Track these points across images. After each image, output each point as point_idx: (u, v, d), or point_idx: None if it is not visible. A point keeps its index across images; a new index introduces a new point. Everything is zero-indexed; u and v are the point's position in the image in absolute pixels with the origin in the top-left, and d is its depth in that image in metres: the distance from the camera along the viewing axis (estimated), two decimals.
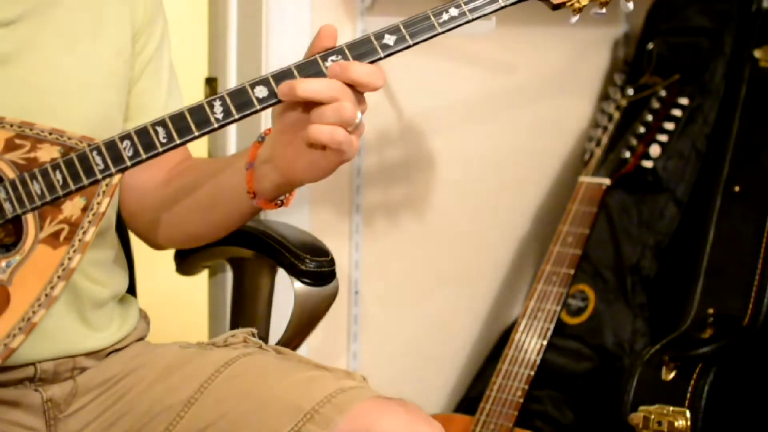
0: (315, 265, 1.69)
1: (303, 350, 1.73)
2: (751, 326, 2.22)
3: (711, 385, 2.12)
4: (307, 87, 1.33)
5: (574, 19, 1.40)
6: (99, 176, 1.31)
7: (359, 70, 1.34)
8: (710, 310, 2.26)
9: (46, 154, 1.31)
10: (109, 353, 1.57)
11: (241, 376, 1.46)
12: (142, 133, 1.31)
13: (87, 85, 1.50)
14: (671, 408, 2.08)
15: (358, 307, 2.43)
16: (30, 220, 1.31)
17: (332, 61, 1.35)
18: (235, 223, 1.58)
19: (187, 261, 1.87)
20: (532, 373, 2.23)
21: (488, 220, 2.60)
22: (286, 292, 1.71)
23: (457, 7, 1.36)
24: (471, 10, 1.36)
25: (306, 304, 1.70)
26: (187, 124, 1.32)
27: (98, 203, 1.31)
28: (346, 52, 1.35)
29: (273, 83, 1.33)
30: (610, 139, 2.46)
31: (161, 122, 1.31)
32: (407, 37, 1.35)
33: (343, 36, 2.32)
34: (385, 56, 1.36)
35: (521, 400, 2.21)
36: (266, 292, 1.78)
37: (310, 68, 1.35)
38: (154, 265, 2.01)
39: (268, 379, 1.44)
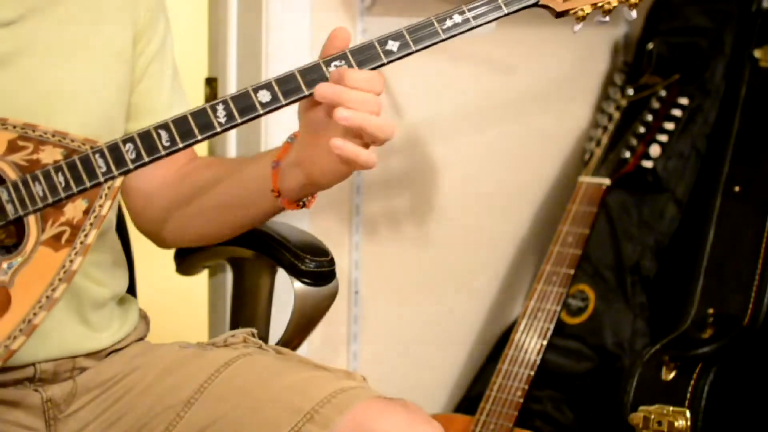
0: (315, 265, 1.69)
1: (303, 350, 1.73)
2: (751, 326, 2.22)
3: (711, 385, 2.12)
4: (351, 97, 1.34)
5: (578, 27, 1.41)
6: (101, 179, 1.31)
7: (357, 77, 1.34)
8: (710, 310, 2.26)
9: (49, 156, 1.31)
10: (109, 353, 1.57)
11: (241, 377, 1.46)
12: (145, 136, 1.31)
13: (87, 86, 1.50)
14: (671, 408, 2.08)
15: (358, 307, 2.43)
16: (32, 222, 1.31)
17: (335, 66, 1.35)
18: (255, 223, 1.58)
19: (187, 261, 1.87)
20: (532, 373, 2.23)
21: (488, 220, 2.60)
22: (286, 292, 1.71)
23: (461, 13, 1.36)
24: (474, 17, 1.36)
25: (306, 304, 1.70)
26: (190, 127, 1.32)
27: (100, 206, 1.31)
28: (350, 57, 1.35)
29: (276, 88, 1.33)
30: (610, 139, 2.46)
31: (164, 125, 1.31)
32: (410, 43, 1.36)
33: None
34: (388, 62, 1.36)
35: (521, 400, 2.21)
36: (266, 292, 1.78)
37: (313, 73, 1.35)
38: (154, 265, 2.01)
39: (267, 379, 1.44)
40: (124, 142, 1.31)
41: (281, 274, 1.74)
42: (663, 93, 2.46)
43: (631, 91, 2.51)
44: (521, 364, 2.25)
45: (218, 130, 1.32)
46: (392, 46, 1.36)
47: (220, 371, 1.47)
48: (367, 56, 1.36)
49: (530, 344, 2.27)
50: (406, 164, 2.44)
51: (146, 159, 1.31)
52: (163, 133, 1.31)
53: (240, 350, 1.52)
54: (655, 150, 2.43)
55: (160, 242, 1.68)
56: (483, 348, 2.61)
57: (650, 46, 2.55)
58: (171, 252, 1.85)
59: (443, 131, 2.49)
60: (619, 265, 2.51)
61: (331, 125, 1.37)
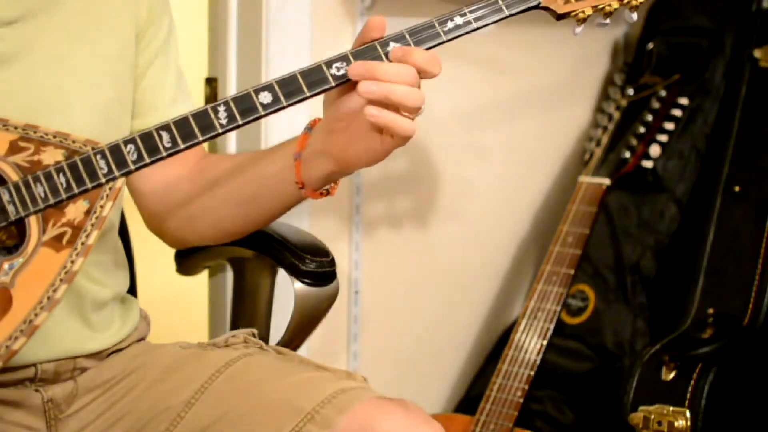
0: (315, 265, 1.69)
1: (303, 350, 1.73)
2: (751, 326, 2.22)
3: (711, 385, 2.12)
4: (385, 70, 1.34)
5: (579, 29, 1.41)
6: (102, 180, 1.31)
7: (421, 56, 1.35)
8: (710, 310, 2.26)
9: (50, 157, 1.31)
10: (110, 354, 1.57)
11: (242, 377, 1.46)
12: (146, 137, 1.31)
13: (89, 85, 1.50)
14: (671, 408, 2.08)
15: (358, 307, 2.43)
16: (33, 223, 1.30)
17: (337, 68, 1.35)
18: (276, 216, 1.58)
19: (187, 261, 1.87)
20: (532, 373, 2.23)
21: (488, 219, 2.60)
22: (287, 292, 1.71)
23: (462, 15, 1.37)
24: (476, 19, 1.37)
25: (306, 305, 1.70)
26: (192, 129, 1.32)
27: (101, 207, 1.31)
28: (351, 59, 1.36)
29: (277, 89, 1.33)
30: (610, 139, 2.46)
31: (165, 126, 1.31)
32: (412, 44, 1.36)
33: (343, 36, 2.34)
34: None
35: (521, 400, 2.21)
36: (266, 292, 1.78)
37: (314, 74, 1.35)
38: (155, 265, 2.01)
39: (268, 379, 1.44)
40: (126, 143, 1.31)
41: (281, 274, 1.73)
42: (663, 93, 2.46)
43: (631, 91, 2.51)
44: (521, 364, 2.25)
45: (219, 131, 1.32)
46: (394, 47, 1.36)
47: (221, 371, 1.47)
48: (369, 58, 1.36)
49: (530, 344, 2.27)
50: (406, 164, 2.44)
51: (147, 160, 1.31)
52: (164, 134, 1.31)
53: (241, 350, 1.52)
54: (655, 150, 2.43)
55: (174, 241, 1.67)
56: (483, 348, 2.61)
57: (650, 46, 2.55)
58: (171, 252, 1.85)
59: (443, 131, 2.49)
60: (619, 265, 2.51)
61: (362, 108, 1.37)
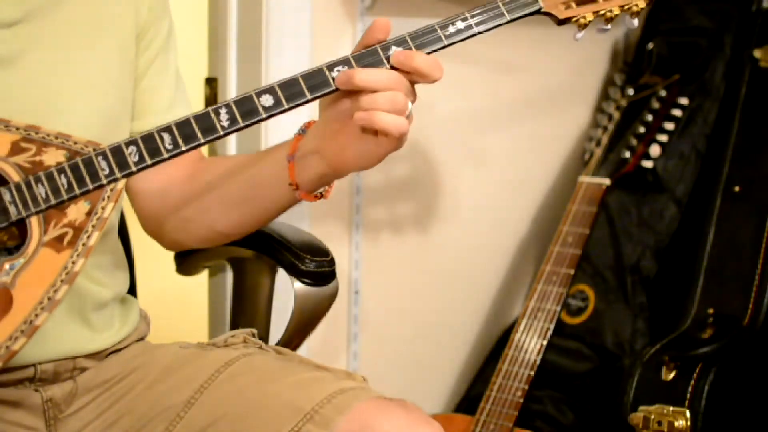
0: (315, 265, 1.69)
1: (303, 350, 1.73)
2: (751, 326, 2.23)
3: (711, 385, 2.13)
4: (365, 77, 1.34)
5: (579, 35, 1.41)
6: (104, 181, 1.31)
7: (422, 60, 1.35)
8: (710, 310, 2.26)
9: (52, 158, 1.31)
10: (110, 354, 1.57)
11: (241, 377, 1.46)
12: (148, 139, 1.31)
13: (90, 86, 1.50)
14: (671, 408, 2.09)
15: (358, 307, 2.43)
16: (34, 224, 1.30)
17: (338, 71, 1.35)
18: (271, 217, 1.57)
19: (187, 261, 1.87)
20: (532, 373, 2.24)
21: (488, 219, 2.60)
22: (286, 292, 1.71)
23: (464, 20, 1.37)
24: (477, 24, 1.37)
25: (306, 304, 1.70)
26: (193, 131, 1.32)
27: (102, 208, 1.31)
28: (353, 62, 1.36)
29: (279, 92, 1.34)
30: (610, 139, 2.46)
31: (167, 128, 1.32)
32: (413, 48, 1.36)
33: (343, 36, 2.34)
34: (392, 68, 1.36)
35: (521, 400, 2.21)
36: (266, 292, 1.78)
37: (315, 77, 1.35)
38: (155, 265, 2.01)
39: (268, 379, 1.44)
40: (127, 144, 1.31)
41: (281, 274, 1.73)
42: (663, 93, 2.46)
43: (631, 91, 2.51)
44: (521, 364, 2.25)
45: (221, 133, 1.33)
46: (395, 51, 1.36)
47: (221, 371, 1.47)
48: (370, 62, 1.36)
49: (530, 344, 2.27)
50: (406, 164, 2.44)
51: (149, 162, 1.31)
52: (165, 135, 1.31)
53: (240, 350, 1.52)
54: (655, 150, 2.43)
55: (170, 243, 1.67)
56: (483, 348, 2.61)
57: (650, 46, 2.55)
58: (171, 252, 1.85)
59: (443, 131, 2.49)
60: (619, 265, 2.51)
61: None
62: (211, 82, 2.37)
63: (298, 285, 1.69)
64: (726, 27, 2.53)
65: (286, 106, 1.34)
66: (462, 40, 1.37)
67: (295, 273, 1.69)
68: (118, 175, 1.31)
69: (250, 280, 1.81)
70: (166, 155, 1.32)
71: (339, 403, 1.36)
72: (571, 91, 2.66)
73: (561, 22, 1.41)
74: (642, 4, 1.41)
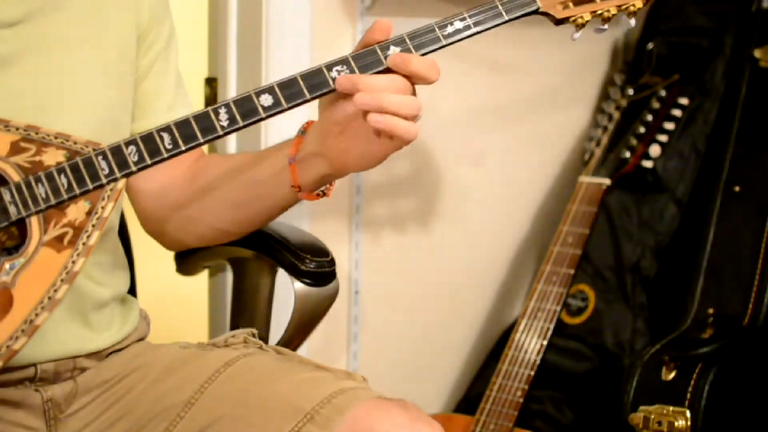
0: (315, 265, 1.69)
1: (303, 350, 1.73)
2: (751, 326, 2.23)
3: (711, 385, 2.12)
4: (369, 83, 1.34)
5: (577, 35, 1.42)
6: (104, 181, 1.31)
7: (419, 63, 1.35)
8: (710, 310, 2.26)
9: (52, 158, 1.31)
10: (110, 353, 1.57)
11: (241, 377, 1.46)
12: (148, 139, 1.31)
13: (91, 87, 1.50)
14: (671, 408, 2.09)
15: (358, 307, 2.43)
16: (34, 223, 1.31)
17: (337, 71, 1.35)
18: (273, 217, 1.58)
19: (187, 261, 1.87)
20: (532, 373, 2.24)
21: (488, 219, 2.60)
22: (286, 292, 1.71)
23: (462, 20, 1.37)
24: (475, 24, 1.37)
25: (306, 304, 1.70)
26: (193, 130, 1.32)
27: (102, 207, 1.31)
28: (351, 62, 1.36)
29: (278, 91, 1.34)
30: (610, 139, 2.46)
31: (167, 128, 1.32)
32: (412, 48, 1.36)
33: (343, 36, 2.34)
34: (388, 69, 1.37)
35: (521, 400, 2.21)
36: (266, 292, 1.78)
37: (315, 77, 1.35)
38: (155, 265, 2.01)
39: (268, 379, 1.44)
40: (127, 144, 1.31)
41: (281, 274, 1.73)
42: (663, 93, 2.46)
43: (631, 91, 2.51)
44: (521, 364, 2.25)
45: (220, 133, 1.33)
46: (394, 51, 1.36)
47: (221, 371, 1.47)
48: (368, 61, 1.36)
49: (530, 344, 2.27)
50: (406, 164, 2.44)
51: (149, 161, 1.32)
52: (165, 135, 1.32)
53: (240, 350, 1.52)
54: (655, 150, 2.43)
55: (171, 242, 1.67)
56: (483, 348, 2.61)
57: (650, 46, 2.55)
58: (171, 252, 1.85)
59: (443, 131, 2.49)
60: (619, 265, 2.51)
61: (359, 112, 1.37)
62: (211, 82, 2.37)
63: (298, 285, 1.69)
64: (726, 27, 2.53)
65: (286, 106, 1.34)
66: (460, 39, 1.38)
67: (295, 273, 1.69)
68: (118, 174, 1.31)
69: (250, 280, 1.81)
70: (165, 155, 1.32)
71: (339, 403, 1.36)
72: (571, 91, 2.66)
73: (559, 22, 1.41)
74: (639, 4, 1.42)
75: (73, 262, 1.30)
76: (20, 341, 1.28)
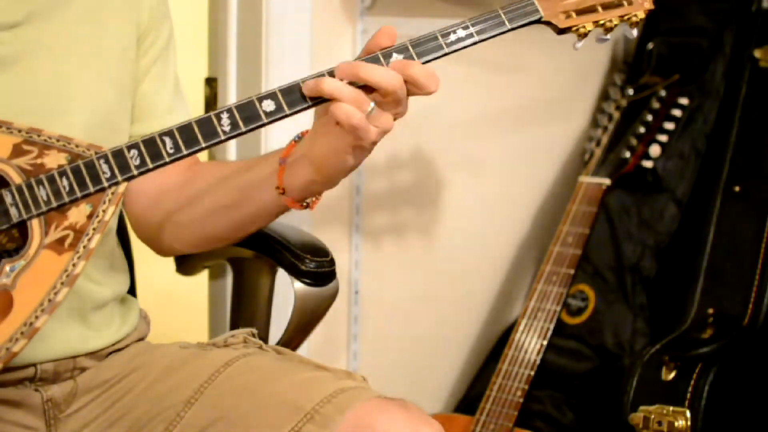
0: (315, 265, 1.68)
1: (303, 350, 1.73)
2: (751, 326, 2.23)
3: (711, 385, 2.13)
4: (329, 85, 1.35)
5: (579, 44, 1.43)
6: (105, 184, 1.31)
7: (420, 69, 1.36)
8: (710, 310, 2.26)
9: (53, 160, 1.31)
10: (110, 353, 1.57)
11: (241, 377, 1.46)
12: (150, 142, 1.32)
13: (91, 88, 1.50)
14: (671, 408, 2.09)
15: (358, 307, 2.43)
16: (35, 226, 1.31)
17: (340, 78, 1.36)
18: (259, 223, 1.58)
19: (187, 261, 1.86)
20: (532, 373, 2.24)
21: (488, 219, 2.60)
22: (286, 292, 1.70)
23: (465, 28, 1.38)
24: (478, 32, 1.38)
25: (306, 304, 1.70)
26: (195, 135, 1.32)
27: (104, 211, 1.31)
28: None
29: (280, 97, 1.34)
30: (610, 139, 2.46)
31: (169, 132, 1.32)
32: (414, 56, 1.37)
33: (343, 36, 2.34)
34: None
35: (521, 400, 2.21)
36: (266, 292, 1.77)
37: None
38: (154, 265, 2.01)
39: (268, 379, 1.44)
40: (129, 148, 1.32)
41: (281, 274, 1.73)
42: (663, 93, 2.46)
43: (631, 91, 2.51)
44: (521, 364, 2.25)
45: (222, 138, 1.33)
46: (396, 59, 1.37)
47: (221, 371, 1.47)
48: None
49: (530, 344, 2.27)
50: (406, 164, 2.44)
51: (150, 165, 1.32)
52: (167, 140, 1.32)
53: (240, 350, 1.52)
54: (655, 150, 2.43)
55: (162, 249, 1.67)
56: (483, 348, 2.61)
57: (650, 46, 2.55)
58: None
59: (442, 130, 2.49)
60: (619, 265, 2.51)
61: None
62: (211, 82, 2.37)
63: (298, 285, 1.69)
64: (726, 27, 2.53)
65: (288, 112, 1.35)
66: (463, 48, 1.39)
67: (295, 273, 1.69)
68: (120, 178, 1.31)
69: (250, 280, 1.81)
70: (167, 159, 1.32)
71: (339, 403, 1.36)
72: (570, 91, 2.66)
73: (561, 32, 1.42)
74: (641, 15, 1.43)
75: (74, 265, 1.30)
76: (20, 343, 1.28)
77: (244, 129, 1.34)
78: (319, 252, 1.71)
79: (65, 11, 1.49)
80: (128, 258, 1.74)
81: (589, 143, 2.52)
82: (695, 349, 2.18)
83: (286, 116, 1.35)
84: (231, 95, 2.31)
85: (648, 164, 2.43)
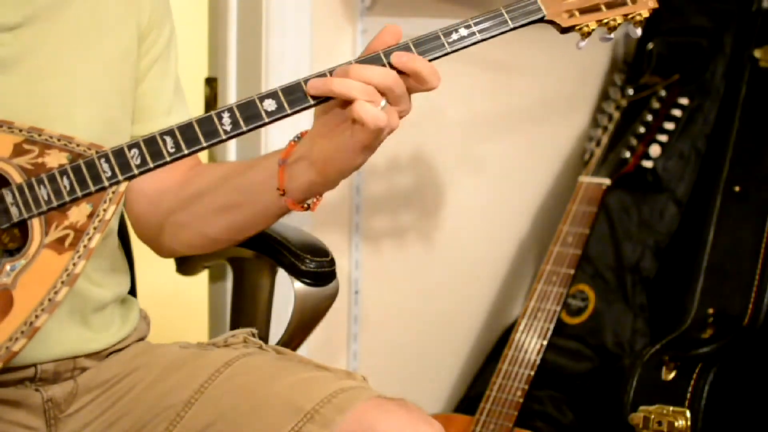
0: (315, 265, 1.68)
1: (303, 350, 1.73)
2: (751, 326, 2.23)
3: (711, 385, 2.13)
4: (340, 85, 1.35)
5: (582, 43, 1.42)
6: (106, 183, 1.31)
7: (423, 64, 1.36)
8: (710, 310, 2.27)
9: (54, 159, 1.31)
10: (110, 354, 1.57)
11: (241, 377, 1.46)
12: (151, 142, 1.32)
13: (92, 89, 1.50)
14: (671, 408, 2.09)
15: (358, 307, 2.43)
16: (36, 225, 1.31)
17: None
18: (259, 225, 1.57)
19: (187, 261, 1.86)
20: (532, 373, 2.24)
21: (488, 219, 2.60)
22: (286, 292, 1.70)
23: (467, 27, 1.38)
24: (480, 31, 1.38)
25: (306, 304, 1.70)
26: (196, 134, 1.32)
27: (104, 210, 1.31)
28: None
29: (282, 97, 1.34)
30: (610, 139, 2.46)
31: (169, 132, 1.32)
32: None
33: (343, 36, 2.35)
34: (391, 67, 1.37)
35: (521, 400, 2.21)
36: (266, 292, 1.77)
37: None
38: (154, 265, 2.01)
39: (268, 379, 1.44)
40: (130, 147, 1.31)
41: (281, 274, 1.73)
42: (663, 93, 2.46)
43: (631, 91, 2.51)
44: (521, 364, 2.25)
45: (223, 137, 1.33)
46: (397, 53, 1.37)
47: (221, 371, 1.47)
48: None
49: (530, 344, 2.27)
50: (406, 165, 2.44)
51: (151, 165, 1.32)
52: (168, 139, 1.32)
53: (240, 350, 1.52)
54: (655, 150, 2.43)
55: (163, 250, 1.66)
56: (483, 348, 2.61)
57: (650, 46, 2.55)
58: None
59: (443, 131, 2.49)
60: (619, 265, 2.51)
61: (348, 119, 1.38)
62: (211, 82, 2.37)
63: (298, 285, 1.69)
64: (726, 27, 2.53)
65: (289, 111, 1.35)
66: (465, 47, 1.38)
67: (295, 273, 1.68)
68: (120, 177, 1.31)
69: (250, 280, 1.80)
70: (168, 158, 1.32)
71: (339, 403, 1.36)
72: (571, 91, 2.66)
73: (564, 31, 1.42)
74: (645, 14, 1.42)
75: (74, 265, 1.30)
76: (20, 343, 1.28)
77: (245, 128, 1.34)
78: (319, 252, 1.70)
79: (66, 12, 1.48)
80: (128, 258, 1.74)
81: (589, 143, 2.52)
82: (695, 349, 2.18)
83: (287, 116, 1.35)
84: (231, 95, 2.31)
85: (648, 164, 2.43)
